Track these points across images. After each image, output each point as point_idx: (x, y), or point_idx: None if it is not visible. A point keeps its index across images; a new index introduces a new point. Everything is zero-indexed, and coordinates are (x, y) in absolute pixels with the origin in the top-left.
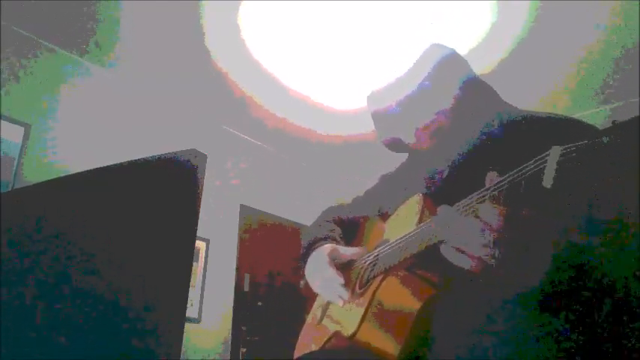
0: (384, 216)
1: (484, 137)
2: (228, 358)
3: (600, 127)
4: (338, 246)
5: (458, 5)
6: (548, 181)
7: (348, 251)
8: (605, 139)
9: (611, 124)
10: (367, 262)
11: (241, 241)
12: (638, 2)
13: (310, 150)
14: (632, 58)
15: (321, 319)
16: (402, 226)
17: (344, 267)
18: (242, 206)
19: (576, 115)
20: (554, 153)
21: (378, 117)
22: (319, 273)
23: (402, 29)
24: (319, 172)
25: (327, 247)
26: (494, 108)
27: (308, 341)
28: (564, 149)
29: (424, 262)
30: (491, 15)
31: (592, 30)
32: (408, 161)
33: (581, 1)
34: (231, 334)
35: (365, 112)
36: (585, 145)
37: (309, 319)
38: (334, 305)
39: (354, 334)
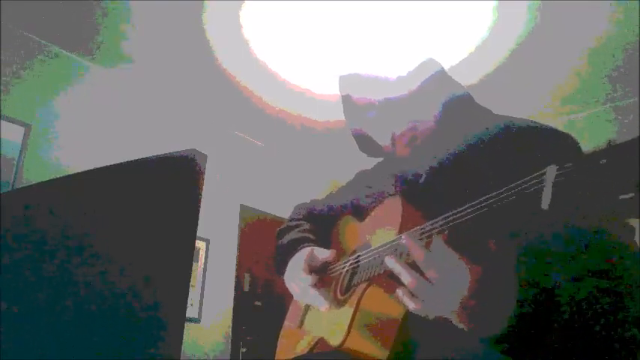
0: (359, 213)
1: (468, 150)
2: (228, 358)
3: (600, 128)
4: (315, 249)
5: (458, 5)
6: (545, 203)
7: (325, 255)
8: (602, 161)
9: (607, 145)
10: (346, 268)
11: (241, 241)
12: (638, 2)
13: (311, 150)
14: (634, 57)
15: (301, 322)
16: (382, 231)
17: (322, 270)
18: (242, 206)
19: (578, 115)
20: (550, 173)
21: (350, 104)
22: (298, 278)
23: (401, 29)
24: (320, 172)
25: (305, 251)
26: (480, 125)
27: (291, 345)
28: (560, 168)
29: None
30: (492, 15)
31: (593, 30)
32: (385, 161)
33: (582, 0)
34: (231, 334)
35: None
36: (582, 165)
37: (287, 322)
38: (314, 309)
39: (342, 344)
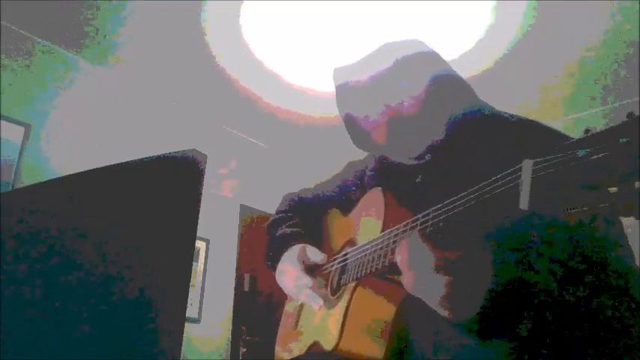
0: (348, 205)
1: (453, 137)
2: (228, 358)
3: (596, 129)
4: (308, 247)
5: (457, 5)
6: (524, 202)
7: (317, 257)
8: (581, 152)
9: (584, 134)
10: (335, 267)
11: (241, 241)
12: (637, 1)
13: (311, 150)
14: (631, 58)
15: (297, 322)
16: (366, 226)
17: (313, 269)
18: (242, 206)
19: (574, 116)
20: (526, 168)
21: (339, 91)
22: (291, 276)
23: (400, 29)
24: (320, 171)
25: (297, 248)
26: (466, 106)
27: (288, 345)
28: (537, 163)
29: (393, 265)
30: (490, 15)
31: (590, 30)
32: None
33: (580, 0)
34: (231, 334)
35: None
36: (559, 158)
37: (283, 320)
38: (307, 308)
39: (335, 347)
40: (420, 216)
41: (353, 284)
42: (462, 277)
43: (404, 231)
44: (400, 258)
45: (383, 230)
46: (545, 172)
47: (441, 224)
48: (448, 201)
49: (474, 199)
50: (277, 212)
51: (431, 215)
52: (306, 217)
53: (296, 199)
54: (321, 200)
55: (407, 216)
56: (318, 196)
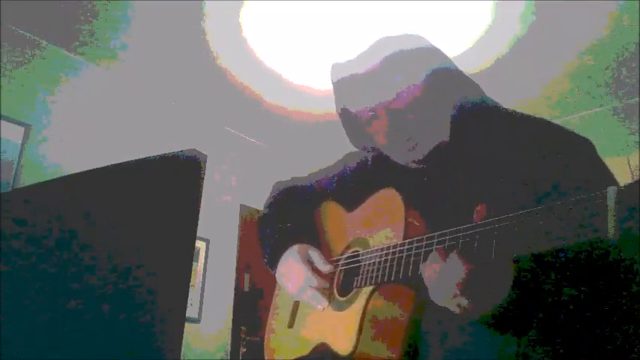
0: (344, 197)
1: (459, 134)
2: (228, 358)
3: (599, 129)
4: (311, 249)
5: (456, 5)
6: (612, 231)
7: (323, 267)
8: None
9: None
10: (341, 267)
11: (241, 241)
12: (637, 1)
13: (312, 149)
14: (631, 58)
15: (292, 320)
16: (382, 230)
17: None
18: (242, 206)
19: (573, 116)
20: (611, 196)
21: (337, 87)
22: (293, 275)
23: (399, 28)
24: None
25: (298, 247)
26: (472, 100)
27: (285, 344)
28: (620, 193)
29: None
30: (489, 14)
31: (590, 30)
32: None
33: (580, 0)
34: (231, 334)
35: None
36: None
37: (273, 317)
38: (304, 307)
39: (353, 352)
40: (452, 230)
41: (369, 288)
42: (475, 282)
43: (429, 244)
44: (427, 275)
45: (405, 237)
46: (628, 202)
47: (475, 244)
48: (487, 221)
49: (542, 218)
50: (268, 205)
51: (462, 233)
52: (299, 209)
53: (287, 188)
54: (315, 191)
55: (423, 222)
56: (312, 187)
